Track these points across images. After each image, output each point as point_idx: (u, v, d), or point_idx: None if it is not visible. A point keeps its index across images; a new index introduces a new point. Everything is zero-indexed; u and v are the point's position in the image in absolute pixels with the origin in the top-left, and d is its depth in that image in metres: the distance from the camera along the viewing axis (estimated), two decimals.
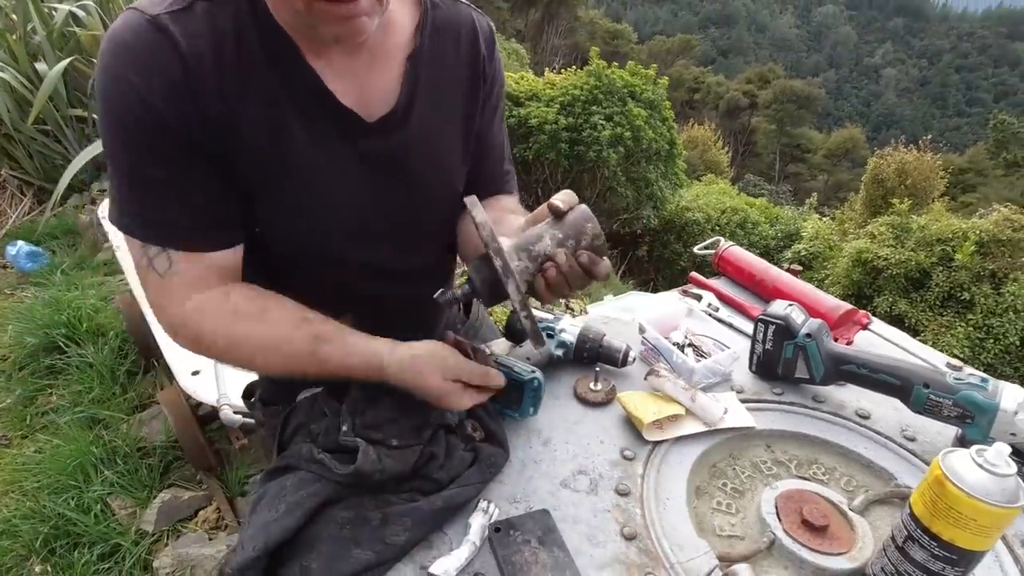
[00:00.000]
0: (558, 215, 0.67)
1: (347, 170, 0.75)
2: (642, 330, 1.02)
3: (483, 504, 0.69)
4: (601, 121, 7.55)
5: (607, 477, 0.77)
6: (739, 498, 0.78)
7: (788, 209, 12.22)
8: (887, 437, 0.87)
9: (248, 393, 1.06)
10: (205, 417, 1.98)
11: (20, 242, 3.34)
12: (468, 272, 0.70)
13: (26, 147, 3.98)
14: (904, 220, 7.60)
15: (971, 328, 6.68)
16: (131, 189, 0.68)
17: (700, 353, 1.02)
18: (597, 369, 0.93)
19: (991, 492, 0.55)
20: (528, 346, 0.94)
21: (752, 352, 0.98)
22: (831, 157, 36.95)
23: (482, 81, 0.84)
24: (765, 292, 1.26)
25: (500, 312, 2.47)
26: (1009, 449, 0.57)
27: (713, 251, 1.39)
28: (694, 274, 1.36)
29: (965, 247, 6.85)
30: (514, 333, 0.95)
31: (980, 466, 0.57)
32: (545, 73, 9.01)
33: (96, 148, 3.48)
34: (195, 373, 1.93)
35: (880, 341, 1.15)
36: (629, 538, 0.68)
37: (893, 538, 0.63)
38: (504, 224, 0.78)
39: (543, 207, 0.69)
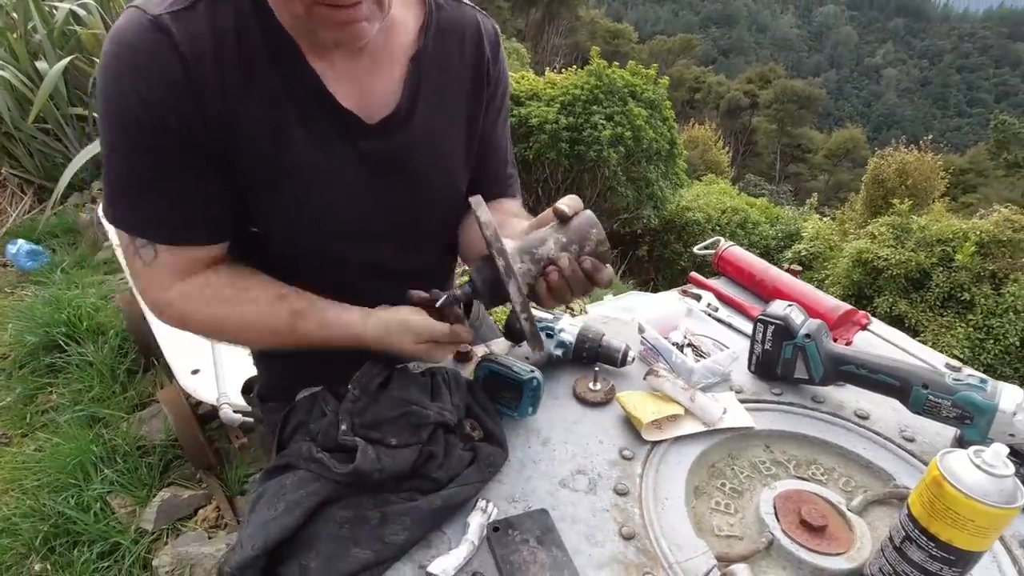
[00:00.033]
0: (563, 219, 0.67)
1: (347, 171, 0.75)
2: (641, 330, 1.02)
3: (482, 503, 0.69)
4: (602, 121, 7.55)
5: (606, 477, 0.77)
6: (738, 498, 0.78)
7: (788, 209, 12.21)
8: (886, 438, 0.87)
9: (247, 388, 1.06)
10: (205, 416, 1.98)
11: (20, 240, 3.35)
12: (469, 272, 0.70)
13: (26, 145, 3.98)
14: (904, 220, 7.59)
15: (971, 329, 6.68)
16: (125, 186, 0.68)
17: (699, 353, 1.02)
18: (596, 369, 0.93)
19: (989, 493, 0.55)
20: (526, 347, 0.94)
21: (751, 352, 0.98)
22: (832, 157, 36.94)
23: (486, 83, 0.84)
24: (765, 292, 1.26)
25: (500, 312, 2.47)
26: (1007, 450, 0.57)
27: (713, 251, 1.39)
28: (694, 274, 1.36)
29: (965, 248, 6.85)
30: (513, 333, 0.95)
31: (978, 467, 0.57)
32: (546, 72, 9.01)
33: (96, 147, 3.48)
34: (195, 372, 1.94)
35: (879, 342, 1.15)
36: (627, 538, 0.68)
37: (891, 538, 0.63)
38: (507, 227, 0.78)
39: (548, 211, 0.69)
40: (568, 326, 0.98)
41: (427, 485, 0.70)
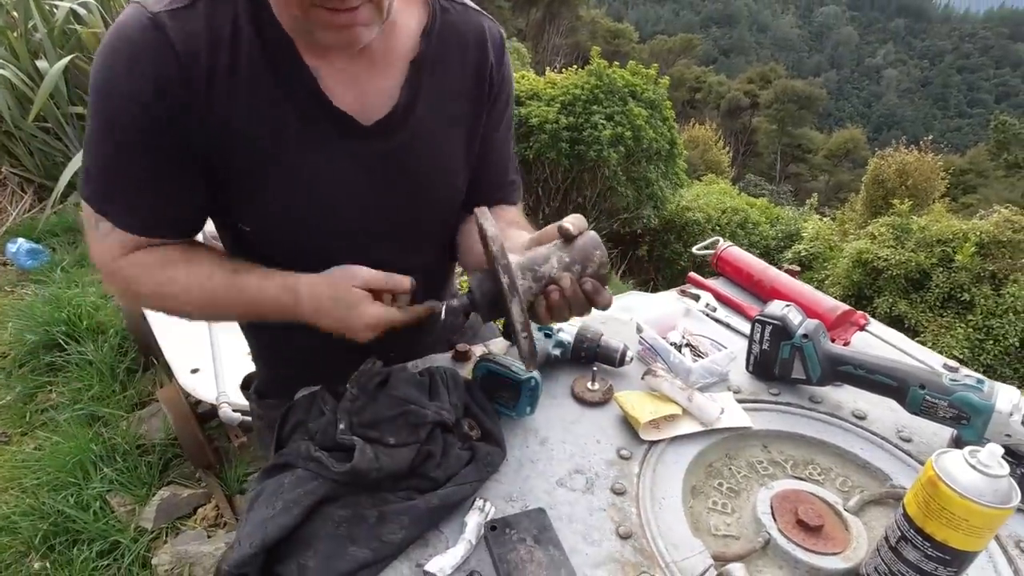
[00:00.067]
0: (568, 238, 0.67)
1: (343, 171, 0.76)
2: (639, 330, 1.02)
3: (479, 503, 0.70)
4: (602, 120, 7.55)
5: (603, 476, 0.77)
6: (735, 498, 0.79)
7: (789, 209, 12.21)
8: (883, 438, 0.87)
9: (245, 384, 1.06)
10: (204, 415, 1.98)
11: (20, 239, 3.35)
12: (469, 282, 0.70)
13: (27, 144, 3.98)
14: (904, 221, 7.60)
15: (971, 329, 6.68)
16: (100, 170, 0.70)
17: (697, 353, 1.02)
18: (594, 369, 0.93)
19: (984, 493, 0.55)
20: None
21: (749, 352, 0.99)
22: (832, 157, 36.94)
23: (488, 87, 0.83)
24: (763, 292, 1.27)
25: None
26: (1002, 450, 0.57)
27: (712, 251, 1.40)
28: (692, 274, 1.36)
29: (965, 248, 6.85)
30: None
31: (973, 467, 0.57)
32: (546, 72, 9.01)
33: None
34: (194, 371, 1.94)
35: (877, 342, 1.15)
36: (624, 537, 0.69)
37: (887, 538, 0.63)
38: (506, 236, 0.77)
39: (552, 228, 0.69)
40: (567, 326, 0.98)
41: (425, 484, 0.71)
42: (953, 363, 1.04)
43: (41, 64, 3.87)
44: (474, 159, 0.87)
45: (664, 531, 0.70)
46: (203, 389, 1.86)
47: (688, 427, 0.84)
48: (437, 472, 0.71)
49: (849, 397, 0.95)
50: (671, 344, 0.99)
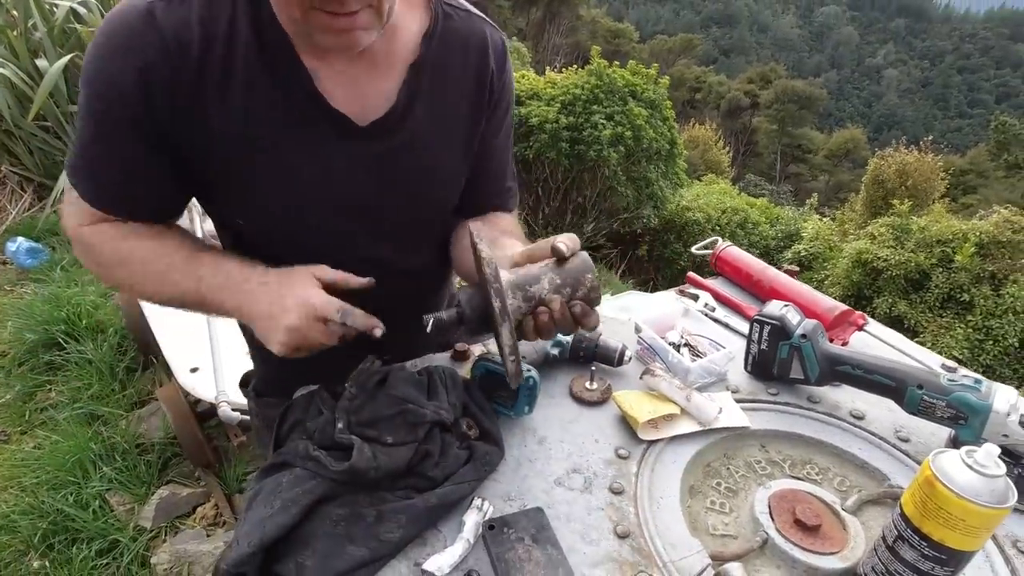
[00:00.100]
0: (560, 259, 0.67)
1: (340, 171, 0.76)
2: (638, 329, 1.02)
3: (477, 502, 0.70)
4: (602, 120, 7.54)
5: (601, 476, 0.77)
6: (733, 497, 0.79)
7: (789, 209, 12.20)
8: (881, 438, 0.88)
9: (244, 382, 1.06)
10: (203, 414, 1.99)
11: (20, 238, 3.35)
12: (459, 297, 0.70)
13: (26, 143, 3.98)
14: (904, 221, 7.59)
15: (970, 329, 6.68)
16: (79, 145, 0.71)
17: (696, 353, 1.03)
18: (593, 368, 0.93)
19: (980, 493, 0.56)
20: (524, 345, 0.95)
21: (748, 352, 0.99)
22: (832, 158, 36.93)
23: (489, 93, 0.83)
24: (762, 292, 1.27)
25: None
26: (999, 450, 0.57)
27: (711, 251, 1.40)
28: (691, 274, 1.36)
29: (965, 248, 6.85)
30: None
31: (970, 467, 0.57)
32: (546, 72, 9.00)
33: None
34: (194, 370, 1.94)
35: (875, 342, 1.15)
36: (622, 536, 0.69)
37: (884, 538, 0.64)
38: (498, 247, 0.77)
39: (546, 244, 0.68)
40: None
41: (423, 483, 0.71)
42: (951, 363, 1.04)
43: (41, 63, 3.86)
44: (472, 163, 0.87)
45: (662, 530, 0.70)
46: (202, 388, 1.86)
47: (686, 427, 0.85)
48: (435, 471, 0.71)
49: (847, 397, 0.95)
50: (670, 344, 1.00)
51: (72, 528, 1.75)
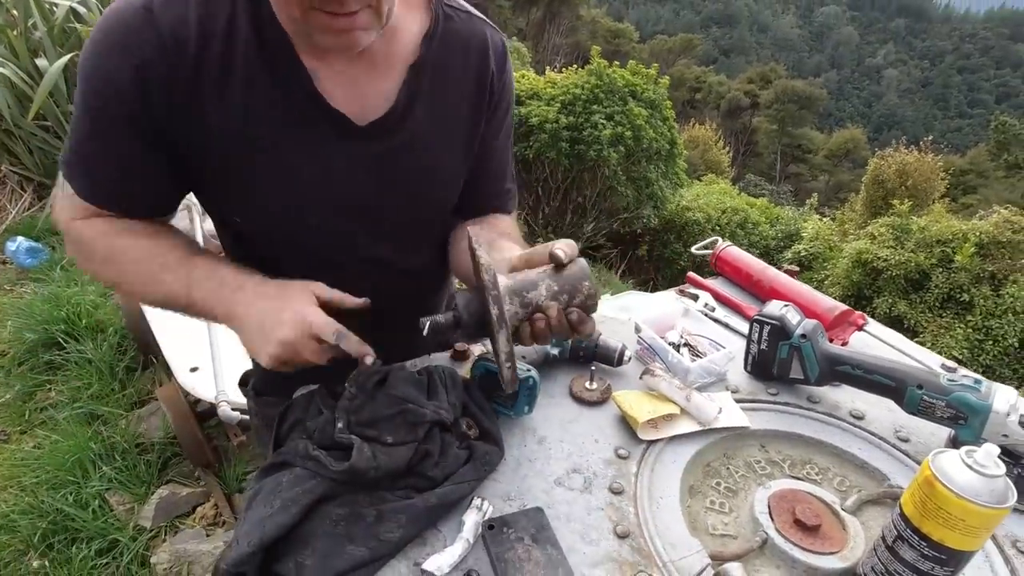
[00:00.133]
0: (558, 265, 0.67)
1: (340, 171, 0.76)
2: (638, 329, 1.02)
3: (477, 501, 0.70)
4: (602, 120, 7.54)
5: (601, 476, 0.77)
6: (732, 497, 0.79)
7: (789, 209, 12.19)
8: (881, 438, 0.88)
9: (244, 380, 1.06)
10: (203, 414, 1.99)
11: (20, 238, 3.35)
12: (456, 300, 0.70)
13: (26, 143, 3.98)
14: (904, 221, 7.59)
15: (970, 330, 6.68)
16: (75, 140, 0.71)
17: (696, 353, 1.03)
18: (593, 368, 0.93)
19: (980, 493, 0.56)
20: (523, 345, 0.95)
21: (747, 352, 0.99)
22: (832, 158, 36.93)
23: (489, 95, 0.83)
24: (762, 292, 1.27)
25: None
26: (998, 450, 0.57)
27: (711, 251, 1.40)
28: (691, 274, 1.36)
29: (965, 249, 6.85)
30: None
31: (969, 467, 0.57)
32: (546, 72, 9.00)
33: None
34: (193, 370, 1.94)
35: (875, 342, 1.15)
36: (622, 536, 0.69)
37: (884, 538, 0.64)
38: (496, 249, 0.77)
39: (544, 249, 0.68)
40: None
41: (423, 483, 0.71)
42: (951, 363, 1.04)
43: (41, 62, 3.86)
44: (472, 164, 0.87)
45: (662, 530, 0.70)
46: (202, 388, 1.86)
47: (686, 427, 0.85)
48: (435, 471, 0.71)
49: (847, 397, 0.95)
50: (669, 344, 1.00)
51: (72, 528, 1.75)
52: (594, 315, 0.69)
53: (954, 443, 0.83)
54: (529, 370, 0.82)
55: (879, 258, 7.26)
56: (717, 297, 1.28)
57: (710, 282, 1.34)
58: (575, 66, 8.72)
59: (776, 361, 0.95)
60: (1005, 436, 0.77)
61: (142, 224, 0.76)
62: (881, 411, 0.92)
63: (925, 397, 0.82)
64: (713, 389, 0.95)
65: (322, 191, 0.76)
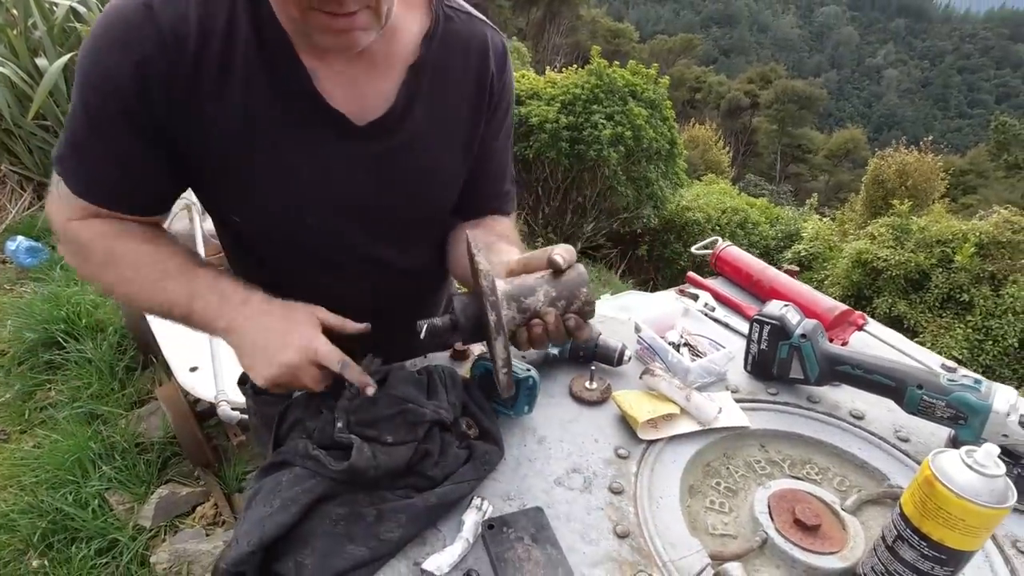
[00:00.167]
0: (557, 271, 0.67)
1: (339, 171, 0.76)
2: (638, 329, 1.02)
3: (477, 501, 0.70)
4: (602, 120, 7.54)
5: (601, 475, 0.77)
6: (732, 497, 0.79)
7: (788, 209, 12.20)
8: (881, 438, 0.88)
9: (243, 380, 1.06)
10: (203, 413, 1.99)
11: (20, 237, 3.35)
12: (454, 304, 0.70)
13: (26, 142, 3.98)
14: (904, 221, 7.59)
15: (970, 330, 6.68)
16: (71, 137, 0.70)
17: (696, 353, 1.03)
18: (592, 368, 0.93)
19: (980, 493, 0.56)
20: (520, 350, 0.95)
21: (747, 352, 0.99)
22: (832, 158, 36.93)
23: (489, 96, 0.83)
24: (762, 292, 1.27)
25: None
26: (998, 450, 0.57)
27: (711, 251, 1.40)
28: (691, 274, 1.36)
29: (965, 249, 6.85)
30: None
31: (969, 467, 0.57)
32: (546, 72, 9.00)
33: None
34: (193, 369, 1.94)
35: (875, 342, 1.15)
36: (622, 536, 0.69)
37: (883, 538, 0.64)
38: (494, 252, 0.77)
39: (542, 255, 0.68)
40: None
41: (423, 483, 0.71)
42: (951, 363, 1.04)
43: (41, 62, 3.86)
44: (471, 165, 0.87)
45: (662, 530, 0.70)
46: (202, 387, 1.86)
47: (686, 426, 0.85)
48: (435, 471, 0.71)
49: (847, 397, 0.95)
50: (669, 343, 1.00)
51: (71, 527, 1.75)
52: (597, 310, 0.69)
53: (954, 443, 0.83)
54: (529, 370, 0.82)
55: (879, 258, 7.27)
56: (717, 297, 1.28)
57: (710, 282, 1.34)
58: (575, 66, 8.72)
59: (776, 361, 0.95)
60: (1005, 436, 0.77)
61: (140, 228, 0.76)
62: (881, 411, 0.92)
63: (925, 397, 0.82)
64: (713, 389, 0.95)
65: (321, 191, 0.76)
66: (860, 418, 0.91)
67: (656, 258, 9.61)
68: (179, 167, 0.73)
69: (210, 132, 0.69)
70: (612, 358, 0.96)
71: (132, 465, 1.98)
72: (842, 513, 0.73)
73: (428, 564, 0.63)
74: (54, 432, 2.08)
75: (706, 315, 1.17)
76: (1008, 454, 0.75)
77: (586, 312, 0.67)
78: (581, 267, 0.68)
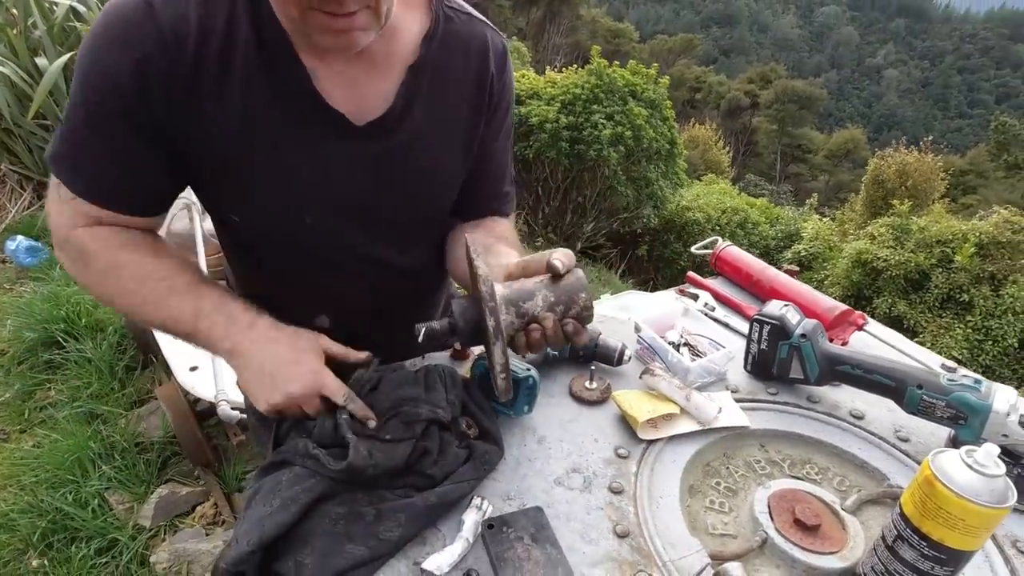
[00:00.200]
0: (555, 276, 0.67)
1: (339, 171, 0.75)
2: (638, 329, 1.02)
3: (477, 501, 0.70)
4: (602, 120, 7.54)
5: (601, 475, 0.77)
6: (732, 497, 0.79)
7: (788, 209, 12.20)
8: (881, 438, 0.88)
9: None
10: (203, 413, 1.98)
11: (19, 237, 3.35)
12: (452, 307, 0.70)
13: (26, 142, 3.97)
14: (904, 221, 7.60)
15: (970, 330, 6.68)
16: (69, 136, 0.70)
17: (695, 352, 1.03)
18: (592, 368, 0.93)
19: (980, 492, 0.56)
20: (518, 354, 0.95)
21: (747, 352, 0.99)
22: (832, 158, 36.93)
23: (488, 96, 0.83)
24: (762, 292, 1.27)
25: None
26: (998, 449, 0.57)
27: (711, 251, 1.40)
28: (691, 274, 1.36)
29: (965, 249, 6.85)
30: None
31: (969, 467, 0.57)
32: (546, 71, 9.00)
33: None
34: (193, 369, 1.94)
35: (875, 342, 1.15)
36: (622, 536, 0.69)
37: (883, 537, 0.64)
38: (493, 254, 0.77)
39: (540, 259, 0.68)
40: None
41: (422, 482, 0.71)
42: (951, 363, 1.04)
43: (41, 61, 3.86)
44: (471, 165, 0.87)
45: (661, 530, 0.70)
46: (202, 387, 1.86)
47: (686, 426, 0.85)
48: (434, 470, 0.71)
49: (847, 397, 0.95)
50: (669, 343, 1.00)
51: (71, 527, 1.75)
52: (597, 310, 0.69)
53: (954, 443, 0.83)
54: (529, 370, 0.82)
55: (879, 258, 7.27)
56: (717, 297, 1.28)
57: (710, 282, 1.34)
58: (575, 66, 8.72)
59: (776, 361, 0.95)
60: (1005, 436, 0.77)
61: (146, 241, 0.75)
62: (881, 411, 0.92)
63: (925, 397, 0.82)
64: (713, 389, 0.95)
65: (321, 191, 0.76)
66: (860, 418, 0.91)
67: (656, 258, 9.61)
68: (178, 166, 0.72)
69: (210, 132, 0.69)
70: (612, 358, 0.96)
71: (132, 465, 1.98)
72: (842, 513, 0.73)
73: (428, 564, 0.63)
74: (54, 432, 2.08)
75: (706, 315, 1.17)
76: (1008, 454, 0.75)
77: (584, 317, 0.67)
78: (580, 272, 0.68)
